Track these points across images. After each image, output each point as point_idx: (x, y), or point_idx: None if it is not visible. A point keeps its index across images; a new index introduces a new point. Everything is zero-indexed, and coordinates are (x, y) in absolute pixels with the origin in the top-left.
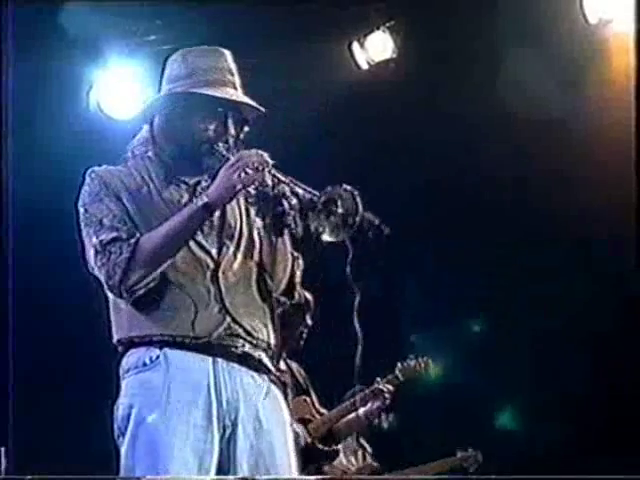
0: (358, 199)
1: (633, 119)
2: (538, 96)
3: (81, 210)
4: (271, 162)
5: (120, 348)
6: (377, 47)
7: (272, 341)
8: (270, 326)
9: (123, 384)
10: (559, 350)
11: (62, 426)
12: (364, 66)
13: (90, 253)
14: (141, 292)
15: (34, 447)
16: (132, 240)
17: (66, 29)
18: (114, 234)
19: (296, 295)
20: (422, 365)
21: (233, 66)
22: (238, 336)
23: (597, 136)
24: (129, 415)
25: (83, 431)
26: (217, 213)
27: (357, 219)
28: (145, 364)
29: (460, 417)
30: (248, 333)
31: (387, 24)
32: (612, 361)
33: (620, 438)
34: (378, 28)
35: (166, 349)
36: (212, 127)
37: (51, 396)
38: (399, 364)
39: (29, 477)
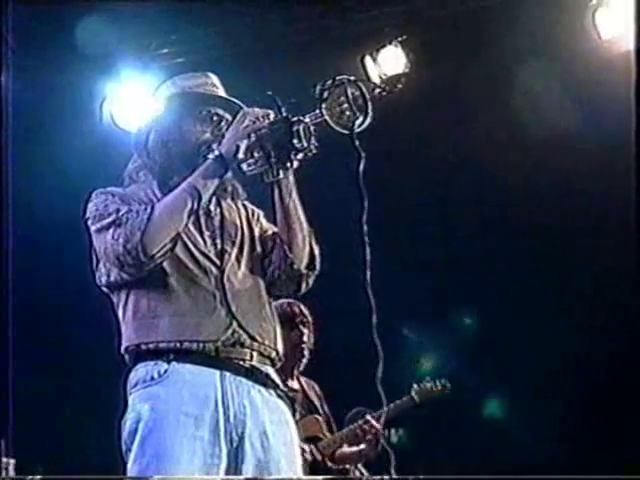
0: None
1: (633, 133)
2: (551, 111)
3: (89, 216)
4: (272, 113)
5: (127, 359)
6: (389, 61)
7: (279, 347)
8: (278, 331)
9: (130, 398)
10: (559, 352)
11: (64, 429)
12: (376, 80)
13: (103, 245)
14: (158, 257)
15: (35, 450)
16: (148, 206)
17: (80, 43)
18: (130, 208)
19: (317, 266)
20: (439, 388)
21: (219, 84)
22: (243, 345)
23: (611, 150)
24: (136, 430)
25: (85, 434)
26: (216, 223)
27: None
28: (153, 378)
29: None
30: (253, 339)
31: (399, 39)
32: (612, 360)
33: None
34: (390, 43)
35: (174, 363)
36: (208, 129)
37: (53, 400)
38: (415, 385)
39: (30, 477)
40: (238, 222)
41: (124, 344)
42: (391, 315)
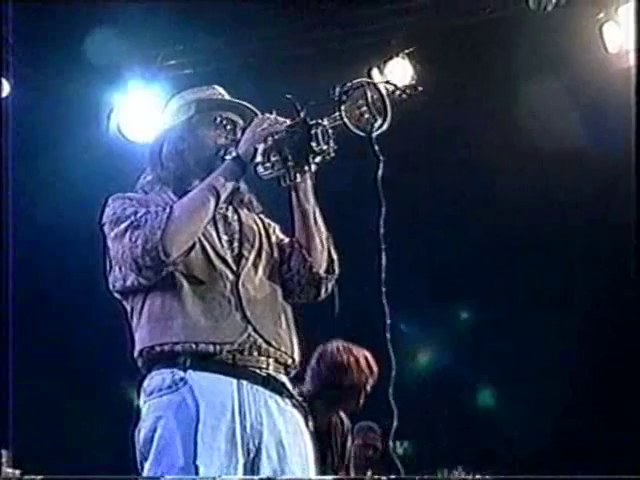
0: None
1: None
2: (557, 124)
3: (106, 220)
4: (288, 120)
5: (140, 363)
6: (396, 73)
7: (296, 354)
8: (294, 337)
9: (145, 407)
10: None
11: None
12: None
13: (121, 249)
14: (178, 258)
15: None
16: (167, 207)
17: (88, 53)
18: (148, 210)
19: (336, 270)
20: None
21: (226, 94)
22: (260, 350)
23: (617, 161)
24: (152, 439)
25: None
26: (235, 227)
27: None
28: (170, 386)
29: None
30: (269, 344)
31: (406, 50)
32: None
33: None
34: (397, 55)
35: (190, 371)
36: (224, 134)
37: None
38: (445, 471)
39: (29, 477)
40: (256, 228)
41: (138, 347)
42: (399, 313)
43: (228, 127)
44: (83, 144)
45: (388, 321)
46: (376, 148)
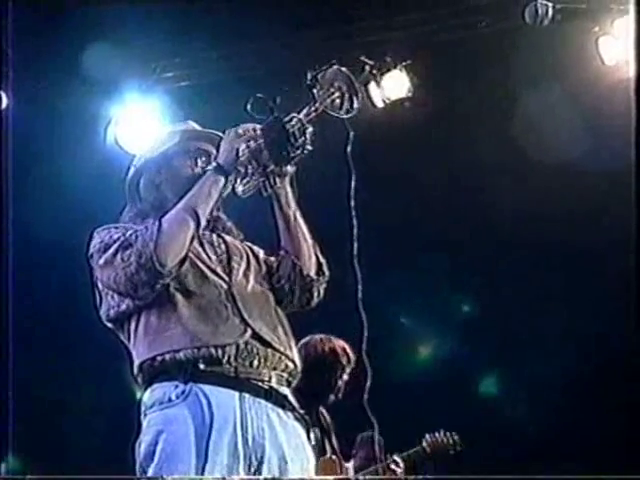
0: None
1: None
2: (554, 137)
3: (93, 250)
4: (259, 126)
5: (141, 379)
6: (393, 86)
7: (296, 358)
8: (293, 342)
9: (145, 420)
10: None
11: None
12: (380, 104)
13: (113, 273)
14: (173, 267)
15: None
16: (156, 221)
17: (86, 66)
18: (136, 229)
19: (327, 272)
20: (451, 440)
21: (199, 127)
22: (259, 360)
23: (614, 174)
24: (153, 452)
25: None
26: (222, 248)
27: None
28: (171, 399)
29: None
30: (269, 345)
31: (404, 63)
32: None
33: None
34: (395, 67)
35: (191, 383)
36: (199, 163)
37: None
38: (427, 436)
39: (29, 477)
40: (241, 248)
41: (137, 361)
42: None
43: (203, 158)
44: (81, 156)
45: (360, 294)
46: (346, 122)
